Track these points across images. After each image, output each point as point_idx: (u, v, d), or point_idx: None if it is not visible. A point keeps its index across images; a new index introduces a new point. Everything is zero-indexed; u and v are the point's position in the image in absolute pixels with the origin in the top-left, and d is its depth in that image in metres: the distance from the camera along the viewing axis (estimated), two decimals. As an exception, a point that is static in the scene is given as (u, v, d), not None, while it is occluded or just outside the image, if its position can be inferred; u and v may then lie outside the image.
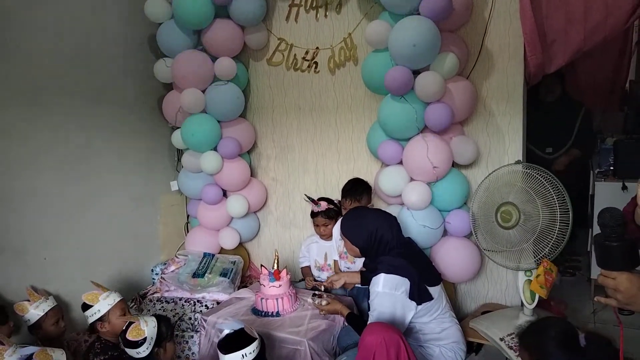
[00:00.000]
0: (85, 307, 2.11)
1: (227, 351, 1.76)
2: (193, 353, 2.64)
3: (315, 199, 2.86)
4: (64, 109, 2.57)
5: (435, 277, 2.22)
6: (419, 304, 2.06)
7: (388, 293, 2.02)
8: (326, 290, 2.74)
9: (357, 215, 2.27)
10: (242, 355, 1.74)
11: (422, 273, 2.11)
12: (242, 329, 1.85)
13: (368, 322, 2.07)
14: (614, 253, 1.23)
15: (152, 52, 3.10)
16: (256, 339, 1.79)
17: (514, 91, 2.59)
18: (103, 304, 2.09)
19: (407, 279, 2.03)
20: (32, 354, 1.62)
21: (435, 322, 2.14)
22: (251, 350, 1.75)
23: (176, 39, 2.89)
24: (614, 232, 1.22)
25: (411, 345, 2.06)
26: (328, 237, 2.84)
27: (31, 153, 2.42)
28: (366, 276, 2.34)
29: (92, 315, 2.08)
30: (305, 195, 2.92)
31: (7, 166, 2.31)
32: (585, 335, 1.41)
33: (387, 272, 2.04)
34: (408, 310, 2.06)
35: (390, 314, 2.03)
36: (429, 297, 2.09)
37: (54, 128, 2.52)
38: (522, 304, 2.34)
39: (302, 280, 2.99)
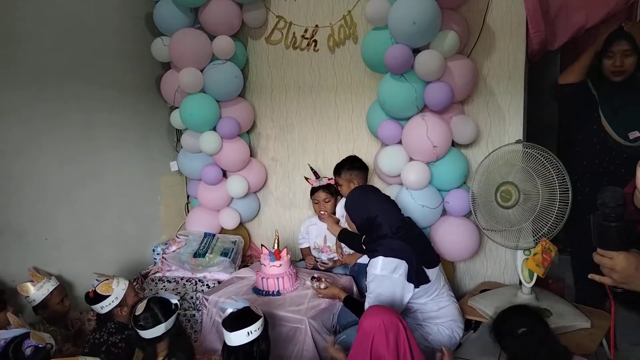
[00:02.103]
0: (98, 298, 2.09)
1: (232, 329, 1.78)
2: (195, 331, 2.67)
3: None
4: (62, 89, 2.55)
5: (434, 259, 2.23)
6: (416, 286, 2.08)
7: (386, 276, 2.04)
8: (328, 270, 2.77)
9: (362, 193, 2.30)
10: (248, 333, 1.76)
11: (420, 255, 2.12)
12: (246, 307, 1.87)
13: (366, 304, 2.09)
14: (611, 233, 1.23)
15: (149, 31, 3.06)
16: (261, 317, 1.81)
17: (515, 70, 2.57)
18: (118, 290, 2.10)
19: (404, 262, 2.05)
20: (14, 338, 1.63)
21: (432, 302, 2.17)
22: (256, 327, 1.77)
23: (173, 17, 2.84)
24: (613, 212, 1.22)
25: (409, 325, 2.08)
26: (327, 216, 2.83)
27: (30, 134, 2.41)
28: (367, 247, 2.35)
29: (110, 303, 2.08)
30: (309, 165, 2.92)
31: (7, 148, 2.30)
32: (524, 330, 1.63)
33: (386, 255, 2.05)
34: (406, 292, 2.08)
35: (389, 296, 2.05)
36: (427, 280, 2.11)
37: (52, 109, 2.50)
38: (521, 283, 2.36)
39: (302, 260, 3.01)
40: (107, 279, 2.14)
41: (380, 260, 2.06)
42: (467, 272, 2.89)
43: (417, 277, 2.08)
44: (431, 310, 2.18)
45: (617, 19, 2.46)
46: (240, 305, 1.89)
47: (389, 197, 2.32)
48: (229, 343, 1.81)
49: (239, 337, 1.78)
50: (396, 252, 2.06)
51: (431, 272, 2.15)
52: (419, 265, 2.09)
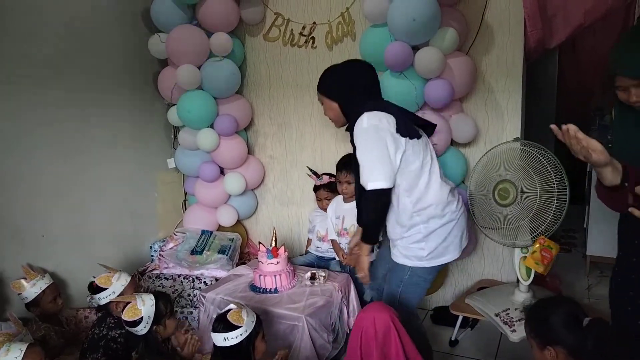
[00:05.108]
0: (97, 289, 2.08)
1: (212, 330, 1.80)
2: (192, 329, 2.67)
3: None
4: (58, 85, 2.53)
5: (422, 124, 2.03)
6: (408, 136, 1.83)
7: (374, 126, 1.78)
8: (325, 267, 2.76)
9: (332, 69, 2.01)
10: (224, 339, 1.76)
11: (407, 114, 1.98)
12: (230, 313, 1.86)
13: (360, 170, 1.84)
14: None
15: (146, 27, 3.04)
16: (239, 327, 1.79)
17: (513, 67, 2.57)
18: (116, 285, 2.08)
19: (391, 115, 1.83)
20: None
21: (422, 179, 1.90)
22: (233, 336, 1.77)
23: (170, 13, 2.83)
24: None
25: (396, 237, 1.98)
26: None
27: (26, 130, 2.39)
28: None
29: (107, 297, 2.07)
30: (308, 167, 2.92)
31: (1, 144, 2.29)
32: (590, 319, 1.42)
33: (370, 110, 1.82)
34: (399, 145, 1.81)
35: (380, 150, 1.79)
36: (417, 134, 1.88)
37: (48, 105, 2.49)
38: (518, 281, 2.36)
39: (300, 256, 3.01)
40: (109, 272, 2.13)
41: (365, 116, 1.80)
42: (465, 270, 2.89)
43: (406, 129, 1.83)
44: (419, 192, 1.89)
45: (615, 18, 2.46)
46: (233, 308, 1.88)
47: (355, 59, 2.08)
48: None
49: (217, 339, 1.79)
50: (382, 106, 1.85)
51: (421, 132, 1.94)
52: (408, 121, 1.88)
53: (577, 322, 1.44)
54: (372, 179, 1.80)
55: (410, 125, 1.88)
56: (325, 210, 2.87)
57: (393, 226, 2.00)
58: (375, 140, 1.79)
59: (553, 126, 1.31)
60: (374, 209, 1.89)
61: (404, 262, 1.99)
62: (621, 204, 1.35)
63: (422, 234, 1.92)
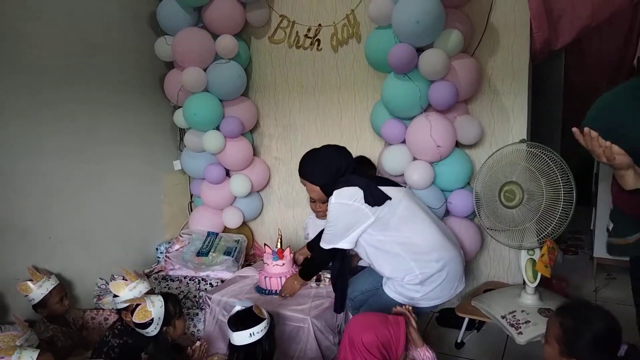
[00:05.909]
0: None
1: (235, 329, 1.80)
2: (198, 330, 2.68)
3: None
4: (66, 88, 2.55)
5: (395, 183, 2.19)
6: (376, 205, 2.00)
7: (341, 203, 2.02)
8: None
9: (311, 155, 2.22)
10: (250, 334, 1.77)
11: (377, 180, 2.11)
12: (251, 308, 1.88)
13: (321, 241, 2.16)
14: None
15: (152, 30, 3.06)
16: (264, 319, 1.81)
17: (519, 69, 2.56)
18: (129, 294, 2.05)
19: (357, 187, 2.01)
20: None
21: (406, 229, 2.05)
22: (259, 329, 1.78)
23: (176, 16, 2.84)
24: None
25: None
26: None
27: (34, 133, 2.41)
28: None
29: (119, 303, 2.07)
30: None
31: (10, 146, 2.31)
32: (628, 346, 1.33)
33: (339, 187, 2.04)
34: (362, 215, 2.01)
35: (336, 224, 2.06)
36: (385, 197, 2.02)
37: (56, 108, 2.51)
38: (524, 283, 2.35)
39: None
40: (126, 280, 2.09)
41: (334, 194, 2.04)
42: (471, 272, 2.88)
43: (373, 198, 2.00)
44: (407, 239, 2.04)
45: (622, 18, 2.45)
46: (247, 304, 1.90)
47: (333, 145, 2.26)
48: (232, 342, 1.82)
49: (241, 337, 1.79)
50: (349, 181, 2.03)
51: (395, 190, 2.08)
52: (375, 188, 2.03)
53: (612, 347, 1.35)
54: (325, 241, 2.16)
55: (378, 192, 2.03)
56: (317, 213, 2.81)
57: (390, 274, 2.11)
58: (335, 215, 2.06)
59: (575, 129, 1.30)
60: (318, 260, 2.33)
61: (395, 298, 2.09)
62: None
63: (419, 279, 2.03)
